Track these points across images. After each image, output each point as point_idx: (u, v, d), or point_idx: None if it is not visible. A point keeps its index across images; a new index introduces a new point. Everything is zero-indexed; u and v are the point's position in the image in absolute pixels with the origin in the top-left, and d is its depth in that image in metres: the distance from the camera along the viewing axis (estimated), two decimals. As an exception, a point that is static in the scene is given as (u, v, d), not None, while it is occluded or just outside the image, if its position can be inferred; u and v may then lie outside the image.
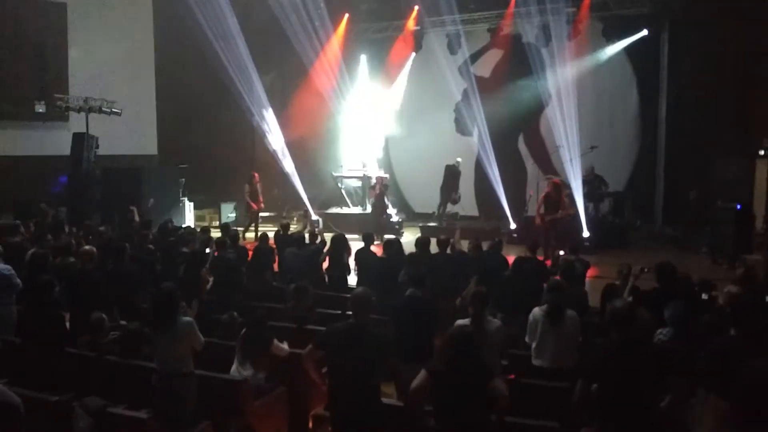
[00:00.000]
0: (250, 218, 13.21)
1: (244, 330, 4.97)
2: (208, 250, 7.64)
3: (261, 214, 13.47)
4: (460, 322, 4.46)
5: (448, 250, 7.63)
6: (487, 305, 4.60)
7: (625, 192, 13.69)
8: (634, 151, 14.32)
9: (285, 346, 5.01)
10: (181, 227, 10.07)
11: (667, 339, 4.40)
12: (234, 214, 15.01)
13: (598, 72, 14.06)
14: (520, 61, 14.35)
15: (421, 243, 7.60)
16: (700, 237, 11.58)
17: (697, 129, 12.96)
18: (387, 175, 14.89)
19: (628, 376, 3.37)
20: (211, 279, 6.76)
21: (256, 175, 13.27)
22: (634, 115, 14.32)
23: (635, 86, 14.25)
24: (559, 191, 10.98)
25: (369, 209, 14.51)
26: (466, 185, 15.06)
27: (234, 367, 4.81)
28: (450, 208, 14.60)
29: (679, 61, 13.53)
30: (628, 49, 13.96)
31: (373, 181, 14.75)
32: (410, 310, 4.88)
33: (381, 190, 13.35)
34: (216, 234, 8.86)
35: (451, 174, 14.12)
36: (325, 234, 9.30)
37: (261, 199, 13.21)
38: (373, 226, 12.11)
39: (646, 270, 5.68)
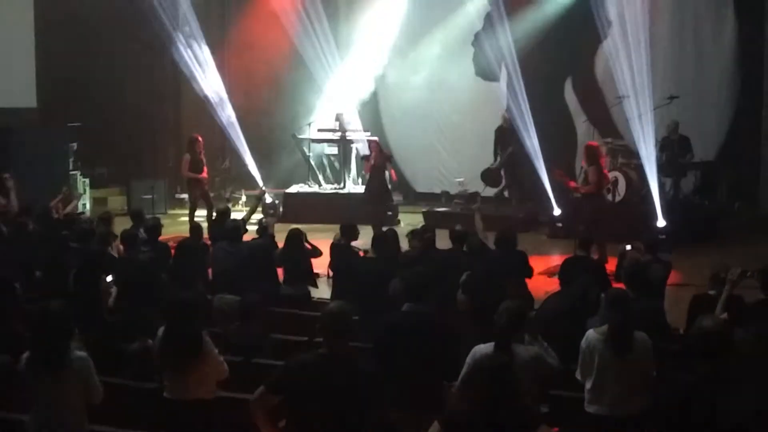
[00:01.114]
0: (194, 199, 13.10)
1: (162, 329, 5.01)
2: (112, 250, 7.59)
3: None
4: (480, 348, 4.47)
5: (465, 247, 7.63)
6: (524, 325, 4.63)
7: (718, 162, 13.74)
8: (731, 103, 14.33)
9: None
10: (72, 214, 9.98)
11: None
12: (151, 196, 14.90)
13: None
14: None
15: (427, 237, 7.68)
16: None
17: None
18: (376, 138, 14.85)
19: (717, 424, 3.35)
20: (114, 290, 6.72)
21: (200, 138, 13.18)
22: (731, 49, 14.32)
23: (732, 6, 14.24)
24: (594, 156, 11.07)
25: (354, 188, 14.50)
26: (491, 154, 15.00)
27: None
28: (467, 186, 14.60)
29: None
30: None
31: (362, 147, 14.72)
32: (408, 334, 4.87)
33: (379, 161, 13.16)
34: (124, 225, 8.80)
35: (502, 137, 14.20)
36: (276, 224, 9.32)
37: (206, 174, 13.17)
38: (367, 214, 12.11)
39: (749, 274, 5.67)
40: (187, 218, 13.11)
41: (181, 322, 4.94)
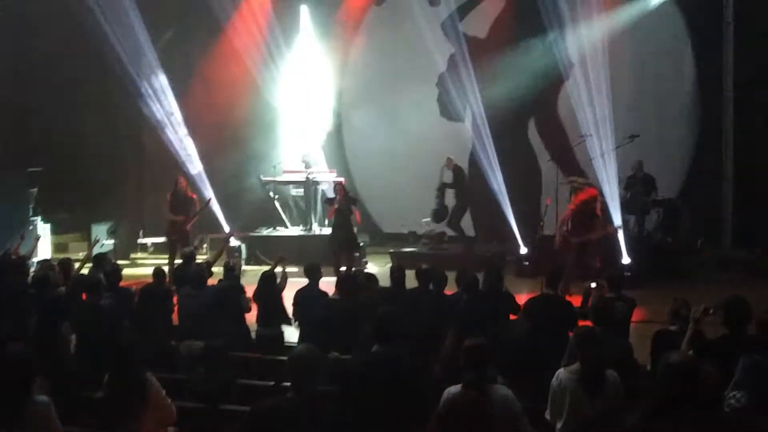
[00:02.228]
0: (173, 242, 12.73)
1: (106, 377, 4.89)
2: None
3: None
4: (451, 390, 4.43)
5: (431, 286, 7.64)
6: (489, 365, 4.59)
7: (680, 199, 13.92)
8: (691, 140, 14.62)
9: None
10: (29, 261, 9.82)
11: (741, 405, 4.43)
12: (112, 241, 14.70)
13: (639, 29, 14.34)
14: (529, 15, 14.51)
15: (396, 276, 7.64)
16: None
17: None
18: (342, 179, 14.85)
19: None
20: (74, 337, 6.61)
21: (183, 180, 13.00)
22: (691, 88, 14.63)
23: (690, 48, 14.58)
24: (595, 203, 11.21)
25: (320, 230, 14.55)
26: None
27: None
28: (434, 226, 14.63)
29: (749, 12, 13.88)
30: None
31: (327, 188, 14.71)
32: (374, 377, 4.82)
33: (343, 204, 13.05)
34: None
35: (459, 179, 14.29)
36: (246, 267, 9.24)
37: (192, 223, 12.86)
38: (336, 254, 12.28)
39: (711, 311, 5.70)
40: (151, 262, 12.91)
41: (122, 367, 4.85)
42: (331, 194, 14.44)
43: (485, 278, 7.56)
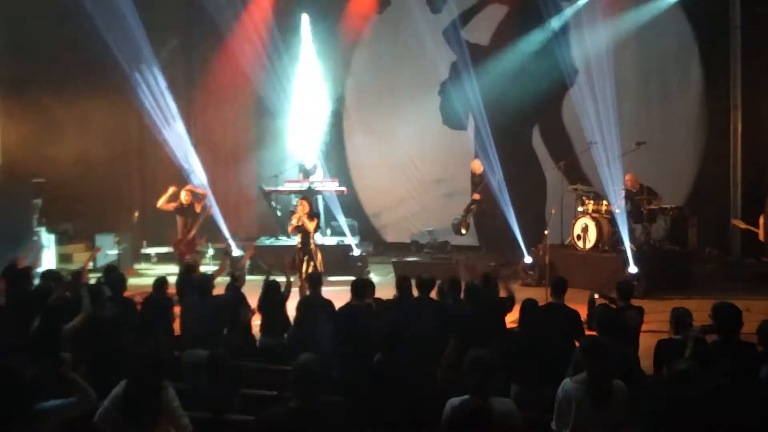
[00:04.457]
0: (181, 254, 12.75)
1: (122, 384, 4.83)
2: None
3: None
4: (454, 401, 4.42)
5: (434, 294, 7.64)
6: (493, 376, 4.58)
7: (687, 207, 13.88)
8: (698, 147, 14.61)
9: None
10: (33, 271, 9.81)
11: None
12: (116, 251, 14.74)
13: (644, 34, 14.37)
14: (531, 22, 14.61)
15: (403, 286, 7.67)
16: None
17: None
18: (344, 189, 14.88)
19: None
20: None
21: (181, 189, 12.96)
22: (698, 94, 14.63)
23: (697, 54, 14.58)
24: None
25: (321, 239, 14.47)
26: (460, 201, 15.08)
27: None
28: (437, 235, 14.64)
29: (757, 16, 13.91)
30: (685, 1, 14.29)
31: (329, 197, 14.81)
32: (380, 384, 4.87)
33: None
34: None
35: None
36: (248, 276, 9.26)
37: (194, 233, 12.85)
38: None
39: (708, 327, 5.72)
40: (154, 272, 12.92)
41: (144, 376, 4.83)
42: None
43: (484, 286, 7.59)
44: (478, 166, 14.37)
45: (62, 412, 4.42)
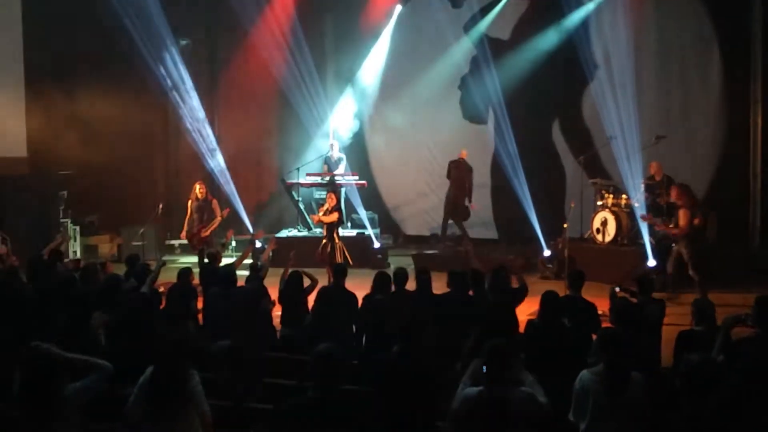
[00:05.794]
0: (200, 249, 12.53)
1: (149, 370, 4.82)
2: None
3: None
4: (469, 391, 4.41)
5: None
6: (510, 366, 4.57)
7: (707, 201, 13.77)
8: (719, 142, 14.47)
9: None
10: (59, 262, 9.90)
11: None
12: (140, 243, 14.84)
13: (664, 28, 14.30)
14: (552, 16, 14.54)
15: (422, 279, 7.63)
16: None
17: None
18: (365, 182, 14.91)
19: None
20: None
21: (201, 185, 12.60)
22: (717, 89, 14.49)
23: (716, 49, 14.44)
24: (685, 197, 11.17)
25: (342, 231, 14.51)
26: (480, 194, 15.08)
27: None
28: (456, 229, 14.61)
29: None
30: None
31: (350, 191, 14.82)
32: (396, 376, 4.86)
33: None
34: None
35: (458, 174, 14.20)
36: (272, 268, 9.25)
37: (210, 228, 12.57)
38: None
39: (743, 316, 5.63)
40: (177, 264, 12.94)
41: (173, 363, 4.83)
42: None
43: (493, 277, 7.56)
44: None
45: (89, 392, 4.48)
